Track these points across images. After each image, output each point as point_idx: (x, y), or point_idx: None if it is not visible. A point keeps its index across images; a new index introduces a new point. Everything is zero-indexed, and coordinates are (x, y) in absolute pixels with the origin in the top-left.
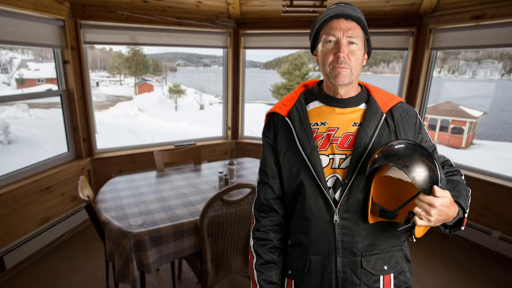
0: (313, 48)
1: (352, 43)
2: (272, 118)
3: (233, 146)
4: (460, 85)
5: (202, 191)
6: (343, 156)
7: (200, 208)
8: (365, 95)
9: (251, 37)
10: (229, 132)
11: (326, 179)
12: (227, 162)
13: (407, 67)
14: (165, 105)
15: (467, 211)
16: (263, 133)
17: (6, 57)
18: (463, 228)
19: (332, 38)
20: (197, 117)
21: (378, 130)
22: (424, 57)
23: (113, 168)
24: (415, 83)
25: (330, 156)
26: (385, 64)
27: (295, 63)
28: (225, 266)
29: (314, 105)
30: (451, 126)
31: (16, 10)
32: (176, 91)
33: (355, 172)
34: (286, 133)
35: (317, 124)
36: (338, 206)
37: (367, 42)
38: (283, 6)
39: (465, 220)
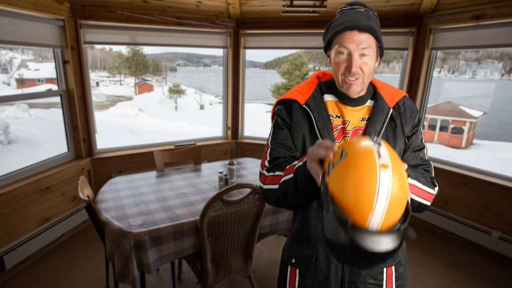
0: (326, 48)
1: (364, 55)
2: (286, 104)
3: (233, 146)
4: (460, 85)
5: (202, 191)
6: None
7: (200, 208)
8: (372, 90)
9: (251, 37)
10: (229, 132)
11: None
12: (227, 162)
13: (407, 67)
14: (165, 105)
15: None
16: (278, 113)
17: (6, 57)
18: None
19: (345, 51)
20: (197, 117)
21: (385, 125)
22: (424, 57)
23: (113, 168)
24: (415, 83)
25: None
26: (385, 64)
27: (295, 63)
28: (225, 266)
29: (329, 98)
30: (451, 126)
31: (16, 10)
32: (176, 91)
33: None
34: (303, 122)
35: (332, 116)
36: None
37: (380, 48)
38: (283, 6)
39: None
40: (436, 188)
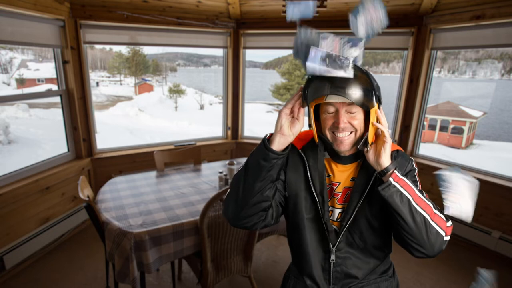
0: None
1: (352, 112)
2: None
3: (233, 146)
4: (460, 85)
5: (202, 191)
6: (342, 210)
7: (200, 208)
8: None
9: (251, 37)
10: (229, 132)
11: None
12: (227, 162)
13: (407, 67)
14: (165, 105)
15: (397, 173)
16: None
17: (6, 57)
18: (388, 181)
19: (331, 109)
20: (197, 117)
21: (370, 184)
22: (424, 57)
23: (113, 168)
24: (415, 83)
25: (330, 208)
26: (385, 64)
27: (295, 63)
28: (225, 266)
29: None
30: (451, 126)
31: (16, 10)
32: (176, 91)
33: (348, 222)
34: (297, 166)
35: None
36: (336, 245)
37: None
38: (283, 6)
39: (391, 177)
40: (450, 222)
